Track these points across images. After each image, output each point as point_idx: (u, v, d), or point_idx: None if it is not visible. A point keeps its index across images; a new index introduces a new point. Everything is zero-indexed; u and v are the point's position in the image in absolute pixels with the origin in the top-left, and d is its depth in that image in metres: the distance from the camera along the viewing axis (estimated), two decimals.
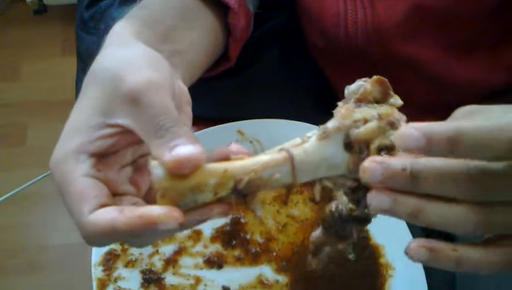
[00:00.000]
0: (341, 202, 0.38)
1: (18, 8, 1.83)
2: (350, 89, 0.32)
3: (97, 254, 0.49)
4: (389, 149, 0.29)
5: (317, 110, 0.62)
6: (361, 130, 0.29)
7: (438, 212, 0.27)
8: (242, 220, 0.54)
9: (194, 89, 0.40)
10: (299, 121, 0.57)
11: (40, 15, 1.82)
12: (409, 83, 0.58)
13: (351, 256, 0.53)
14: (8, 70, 1.64)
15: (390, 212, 0.27)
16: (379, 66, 0.58)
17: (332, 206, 0.38)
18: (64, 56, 1.68)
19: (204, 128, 0.56)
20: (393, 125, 0.30)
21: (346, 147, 0.29)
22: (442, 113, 0.33)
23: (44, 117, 1.49)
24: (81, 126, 0.31)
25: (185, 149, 0.27)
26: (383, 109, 0.31)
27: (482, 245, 0.28)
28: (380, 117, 0.30)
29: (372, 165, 0.27)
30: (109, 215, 0.28)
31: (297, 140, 0.30)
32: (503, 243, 0.28)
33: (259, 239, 0.53)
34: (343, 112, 0.30)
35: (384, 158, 0.27)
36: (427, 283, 0.50)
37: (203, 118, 0.57)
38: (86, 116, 0.31)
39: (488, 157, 0.26)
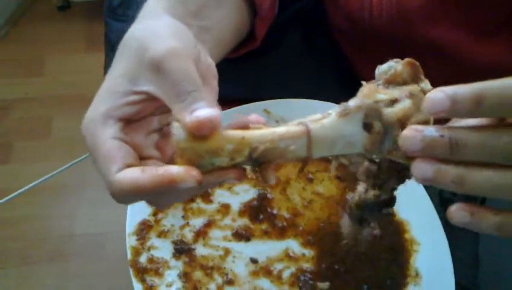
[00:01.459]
0: (361, 191, 0.38)
1: (42, 5, 1.88)
2: (381, 68, 0.32)
3: (131, 224, 0.51)
4: (424, 123, 0.29)
5: (341, 93, 0.63)
6: (396, 110, 0.29)
7: (484, 179, 0.26)
8: (269, 196, 0.55)
9: (219, 70, 0.41)
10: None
11: (64, 11, 1.87)
12: (432, 67, 0.58)
13: (376, 231, 0.54)
14: (33, 66, 1.68)
15: (434, 181, 0.27)
16: (402, 49, 0.59)
17: (356, 196, 0.38)
18: (87, 52, 1.72)
19: (229, 108, 0.57)
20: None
21: (365, 127, 0.30)
22: None
23: (68, 110, 1.52)
24: (109, 93, 0.33)
25: (204, 112, 0.29)
26: (411, 87, 0.31)
27: None
28: (411, 94, 0.30)
29: (411, 133, 0.27)
30: (133, 174, 0.30)
31: (318, 115, 0.31)
32: None
33: (285, 214, 0.54)
34: (366, 91, 0.30)
35: (422, 126, 0.27)
36: (452, 257, 0.50)
37: (227, 99, 0.58)
38: (114, 84, 0.33)
39: None
